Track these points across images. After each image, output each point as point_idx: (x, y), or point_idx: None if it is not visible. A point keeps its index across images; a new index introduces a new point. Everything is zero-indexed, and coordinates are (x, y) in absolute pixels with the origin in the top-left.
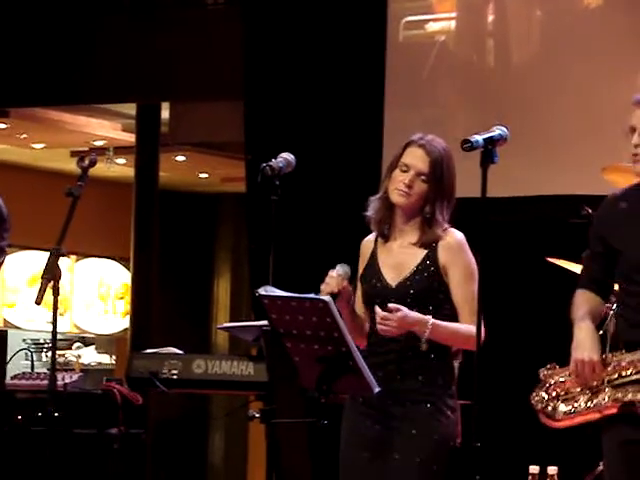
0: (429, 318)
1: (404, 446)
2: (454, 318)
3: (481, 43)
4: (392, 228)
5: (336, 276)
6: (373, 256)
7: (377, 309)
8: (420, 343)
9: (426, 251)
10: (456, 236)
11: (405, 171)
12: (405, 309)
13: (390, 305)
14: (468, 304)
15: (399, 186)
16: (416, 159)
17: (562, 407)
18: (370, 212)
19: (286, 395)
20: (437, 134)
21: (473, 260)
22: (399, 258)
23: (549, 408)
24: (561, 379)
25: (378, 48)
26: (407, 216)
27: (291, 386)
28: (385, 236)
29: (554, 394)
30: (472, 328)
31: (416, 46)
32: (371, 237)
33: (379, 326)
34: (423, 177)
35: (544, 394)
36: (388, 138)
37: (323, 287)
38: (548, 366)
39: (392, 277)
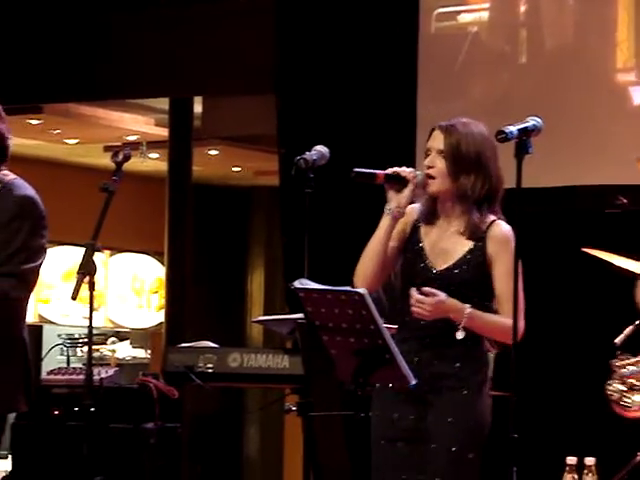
0: (467, 306)
1: (440, 434)
2: (494, 310)
3: (514, 34)
4: (437, 214)
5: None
6: (416, 233)
7: (412, 291)
8: (456, 331)
9: (474, 241)
10: (504, 229)
11: (428, 155)
12: (442, 295)
13: (425, 289)
14: (510, 299)
15: (425, 170)
16: (434, 140)
17: (637, 398)
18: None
19: (322, 388)
20: None
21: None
22: (446, 244)
23: (625, 399)
24: (636, 368)
25: (410, 40)
26: (447, 204)
27: (327, 379)
28: (429, 222)
29: (630, 385)
30: (510, 321)
31: (448, 38)
32: (416, 207)
33: (413, 309)
34: (442, 154)
35: (619, 385)
36: (421, 130)
37: (396, 168)
38: (620, 355)
39: (437, 262)
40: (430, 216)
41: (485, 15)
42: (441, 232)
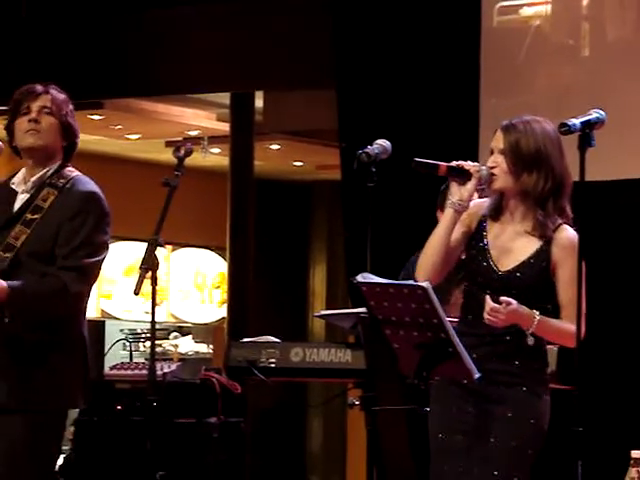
0: (536, 313)
1: (500, 429)
2: (554, 314)
3: (576, 27)
4: (503, 211)
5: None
6: (482, 230)
7: (488, 299)
8: (526, 337)
9: (540, 244)
10: (570, 235)
11: (492, 154)
12: (515, 303)
13: (503, 298)
14: (572, 304)
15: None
16: (496, 140)
17: None
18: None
19: (385, 382)
20: None
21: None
22: (510, 244)
23: None
24: None
25: (472, 33)
26: (514, 202)
27: (390, 373)
28: (496, 219)
29: None
30: (573, 327)
31: (510, 31)
32: (484, 202)
33: (487, 316)
34: (503, 153)
35: None
36: (484, 123)
37: (460, 162)
38: None
39: (501, 262)
40: (497, 213)
41: (547, 8)
42: (507, 231)
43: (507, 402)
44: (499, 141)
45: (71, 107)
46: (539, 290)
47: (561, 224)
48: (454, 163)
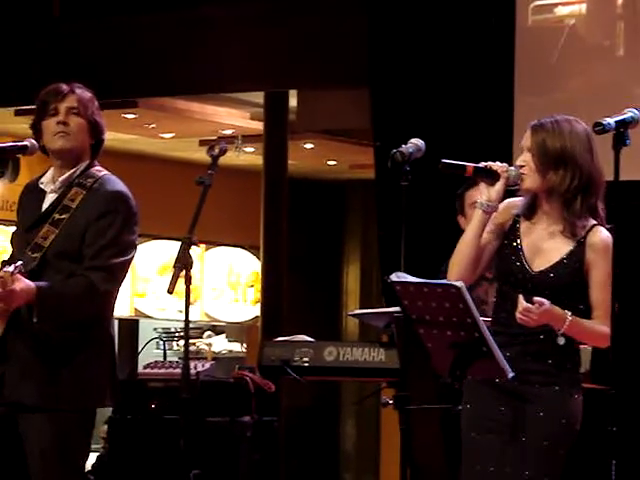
0: (568, 314)
1: (531, 429)
2: (585, 315)
3: (611, 26)
4: (536, 211)
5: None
6: (515, 229)
7: (521, 299)
8: (557, 337)
9: (573, 244)
10: (604, 236)
11: (522, 153)
12: (547, 303)
13: (536, 299)
14: (605, 305)
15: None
16: (525, 139)
17: None
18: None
19: (419, 381)
20: None
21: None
22: (544, 244)
23: None
24: None
25: (507, 32)
26: (546, 202)
27: (424, 372)
28: (530, 219)
29: None
30: (606, 329)
31: (545, 30)
32: (511, 203)
33: (519, 316)
34: (531, 152)
35: None
36: (518, 123)
37: (489, 162)
38: None
39: (534, 262)
40: (530, 212)
41: (582, 7)
42: (540, 231)
43: (539, 401)
44: (527, 140)
45: (97, 104)
46: (572, 291)
47: (594, 225)
48: (482, 164)
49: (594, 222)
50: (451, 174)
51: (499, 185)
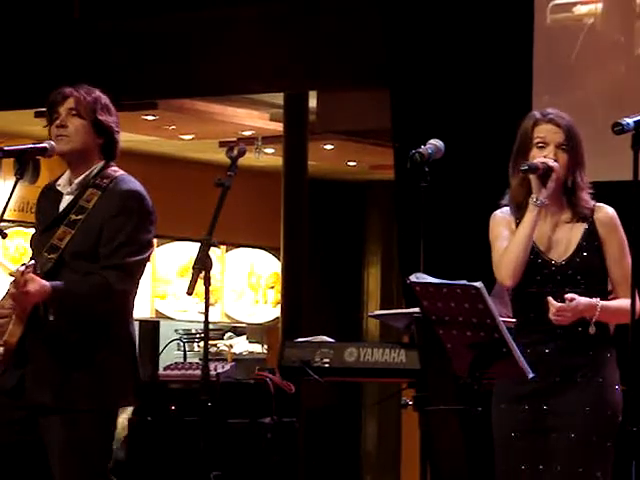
0: (598, 301)
1: (580, 424)
2: (607, 293)
3: (629, 25)
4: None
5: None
6: None
7: (551, 300)
8: (589, 327)
9: (585, 226)
10: (609, 211)
11: (542, 147)
12: (577, 297)
13: (567, 295)
14: (626, 280)
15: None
16: (551, 133)
17: None
18: (509, 200)
19: (439, 382)
20: (586, 118)
21: (624, 235)
22: (558, 235)
23: None
24: None
25: (525, 32)
26: (553, 196)
27: (444, 373)
28: (522, 216)
29: None
30: (629, 302)
31: (563, 29)
32: (505, 212)
33: (554, 317)
34: (563, 146)
35: None
36: None
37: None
38: None
39: (554, 254)
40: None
41: (600, 6)
42: (548, 223)
43: (584, 396)
44: (555, 134)
45: (104, 103)
46: (597, 271)
47: (595, 204)
48: (539, 162)
49: (593, 202)
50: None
51: (552, 182)
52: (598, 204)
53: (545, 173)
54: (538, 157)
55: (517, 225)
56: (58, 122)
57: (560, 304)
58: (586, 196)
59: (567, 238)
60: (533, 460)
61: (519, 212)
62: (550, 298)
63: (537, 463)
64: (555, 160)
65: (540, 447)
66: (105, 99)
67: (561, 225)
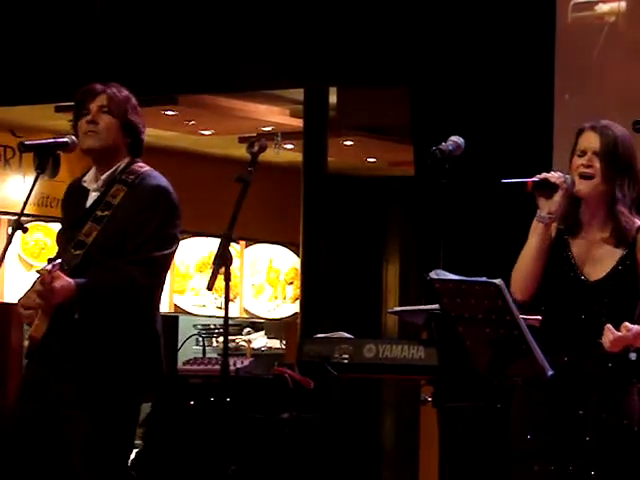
0: None
1: (596, 432)
2: (632, 317)
3: None
4: (578, 223)
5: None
6: (562, 240)
7: (610, 328)
8: (630, 353)
9: (624, 248)
10: None
11: (581, 156)
12: (631, 326)
13: (623, 325)
14: None
15: (579, 170)
16: (589, 141)
17: None
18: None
19: (457, 379)
20: (608, 117)
21: None
22: (596, 253)
23: None
24: None
25: (547, 30)
26: (592, 209)
27: (462, 370)
28: (572, 231)
29: None
30: None
31: (585, 28)
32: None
33: (608, 346)
34: (599, 154)
35: None
36: (558, 121)
37: (544, 174)
38: None
39: (589, 272)
40: (573, 221)
41: (623, 5)
42: (588, 239)
43: (602, 404)
44: (593, 142)
45: (133, 103)
46: (631, 293)
47: (639, 224)
48: (537, 177)
49: (637, 221)
50: (512, 192)
51: (558, 196)
52: None
53: (541, 188)
54: (578, 164)
55: (561, 235)
56: (90, 117)
57: (619, 333)
58: (628, 214)
59: (604, 258)
60: (547, 463)
61: (565, 223)
62: (609, 326)
63: (549, 464)
64: (589, 167)
65: (555, 451)
66: (134, 99)
67: (600, 243)
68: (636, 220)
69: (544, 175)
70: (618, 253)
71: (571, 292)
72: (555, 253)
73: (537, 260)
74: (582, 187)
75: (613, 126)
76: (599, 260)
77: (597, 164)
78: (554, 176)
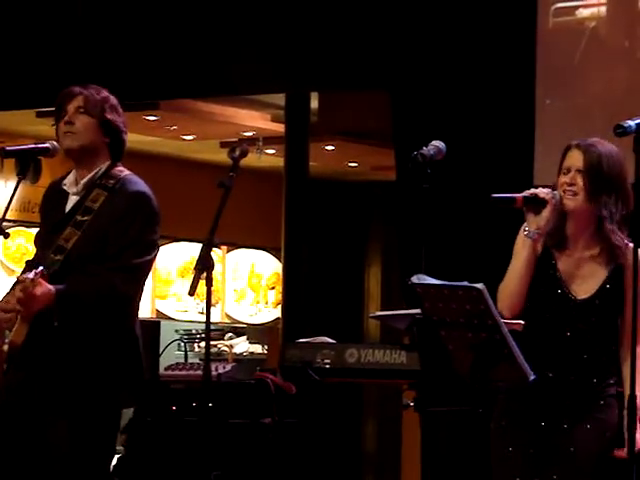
0: None
1: (580, 445)
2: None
3: (632, 28)
4: (565, 238)
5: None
6: (549, 256)
7: None
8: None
9: (612, 267)
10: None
11: (566, 173)
12: None
13: None
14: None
15: (563, 188)
16: (573, 159)
17: None
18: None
19: (439, 384)
20: (587, 121)
21: None
22: (583, 271)
23: None
24: None
25: (528, 35)
26: (578, 225)
27: (444, 374)
28: (559, 246)
29: None
30: None
31: (566, 33)
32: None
33: None
34: (582, 171)
35: None
36: (540, 125)
37: (533, 190)
38: None
39: (576, 290)
40: (559, 238)
41: (603, 10)
42: (575, 257)
43: (586, 418)
44: (577, 160)
45: (112, 103)
46: (615, 313)
47: (628, 245)
48: (527, 193)
49: (627, 241)
50: (502, 208)
51: (547, 212)
52: (630, 245)
53: (531, 203)
54: (562, 182)
55: (548, 251)
56: (66, 119)
57: None
58: (617, 232)
59: (591, 276)
60: (527, 473)
61: (552, 239)
62: None
63: (530, 476)
64: (572, 185)
65: (536, 463)
66: (113, 99)
67: (587, 260)
68: (625, 239)
69: (533, 191)
70: (605, 271)
71: (557, 309)
72: (541, 269)
73: (525, 276)
74: (568, 202)
75: (599, 144)
76: (586, 278)
77: (580, 182)
78: (543, 192)
